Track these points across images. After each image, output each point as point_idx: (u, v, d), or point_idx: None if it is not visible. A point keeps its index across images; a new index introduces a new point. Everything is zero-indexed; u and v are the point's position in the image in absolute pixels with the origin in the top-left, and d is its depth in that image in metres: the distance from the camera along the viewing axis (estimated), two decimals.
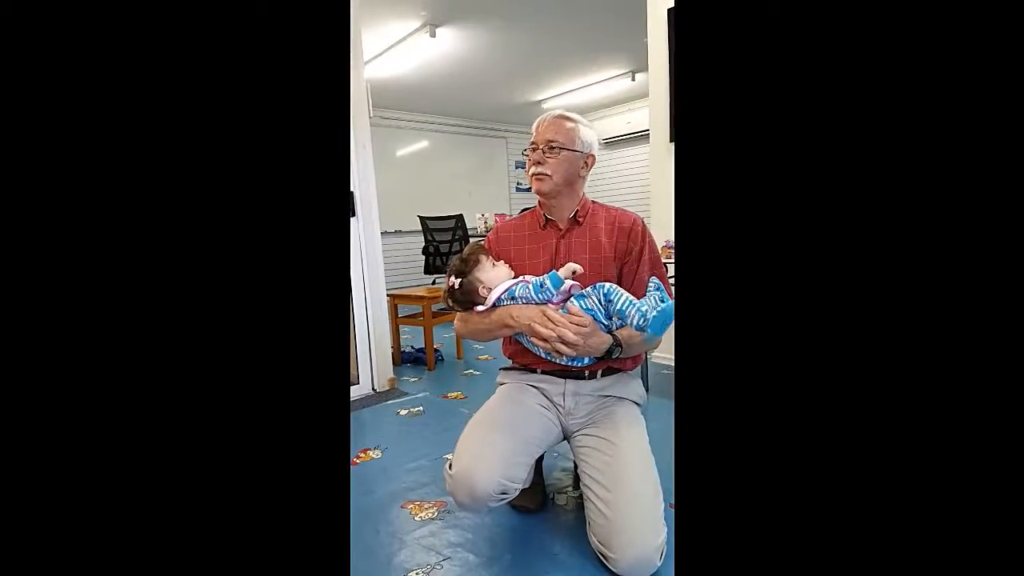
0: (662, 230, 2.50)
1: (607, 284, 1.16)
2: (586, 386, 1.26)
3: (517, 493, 1.13)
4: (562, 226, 1.27)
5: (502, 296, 1.19)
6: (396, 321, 2.94)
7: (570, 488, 1.46)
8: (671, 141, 2.50)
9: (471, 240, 4.34)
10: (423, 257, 4.85)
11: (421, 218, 4.89)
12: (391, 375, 2.49)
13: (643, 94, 4.95)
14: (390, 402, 2.29)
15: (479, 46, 3.91)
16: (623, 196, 5.80)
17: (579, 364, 1.19)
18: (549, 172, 1.21)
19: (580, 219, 1.27)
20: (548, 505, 1.38)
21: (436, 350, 2.92)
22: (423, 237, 4.88)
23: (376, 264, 2.42)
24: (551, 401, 1.27)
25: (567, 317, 1.11)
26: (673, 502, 1.20)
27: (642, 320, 1.09)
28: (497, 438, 1.14)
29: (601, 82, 4.99)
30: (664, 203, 2.45)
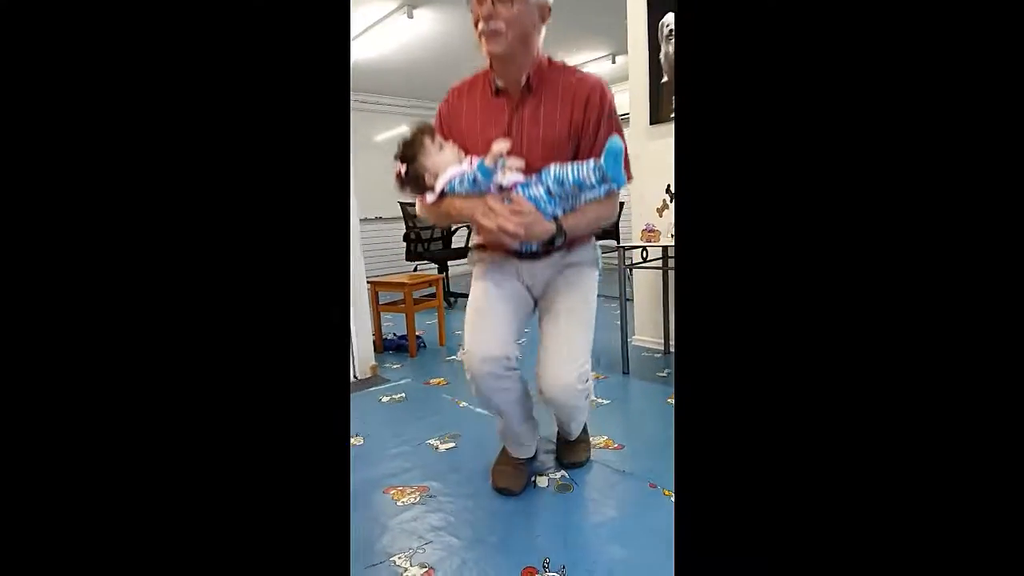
0: (643, 211, 2.50)
1: (551, 168, 1.15)
2: (542, 262, 1.31)
3: (516, 366, 1.23)
4: (514, 95, 1.20)
5: (445, 188, 1.19)
6: (377, 308, 2.92)
7: (551, 470, 1.47)
8: (651, 123, 2.50)
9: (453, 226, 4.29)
10: (404, 243, 4.81)
11: (401, 204, 4.84)
12: (373, 362, 2.48)
13: (623, 77, 4.91)
14: (372, 389, 2.28)
15: (458, 27, 3.84)
16: None
17: (528, 250, 1.25)
18: (502, 27, 1.09)
19: (532, 85, 1.19)
20: (530, 488, 1.40)
21: (418, 337, 2.91)
22: (404, 223, 4.83)
23: (355, 251, 2.39)
24: (520, 277, 1.34)
25: (509, 207, 1.12)
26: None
27: (597, 171, 1.12)
28: (494, 319, 1.25)
29: (581, 65, 4.95)
30: (645, 185, 2.44)
